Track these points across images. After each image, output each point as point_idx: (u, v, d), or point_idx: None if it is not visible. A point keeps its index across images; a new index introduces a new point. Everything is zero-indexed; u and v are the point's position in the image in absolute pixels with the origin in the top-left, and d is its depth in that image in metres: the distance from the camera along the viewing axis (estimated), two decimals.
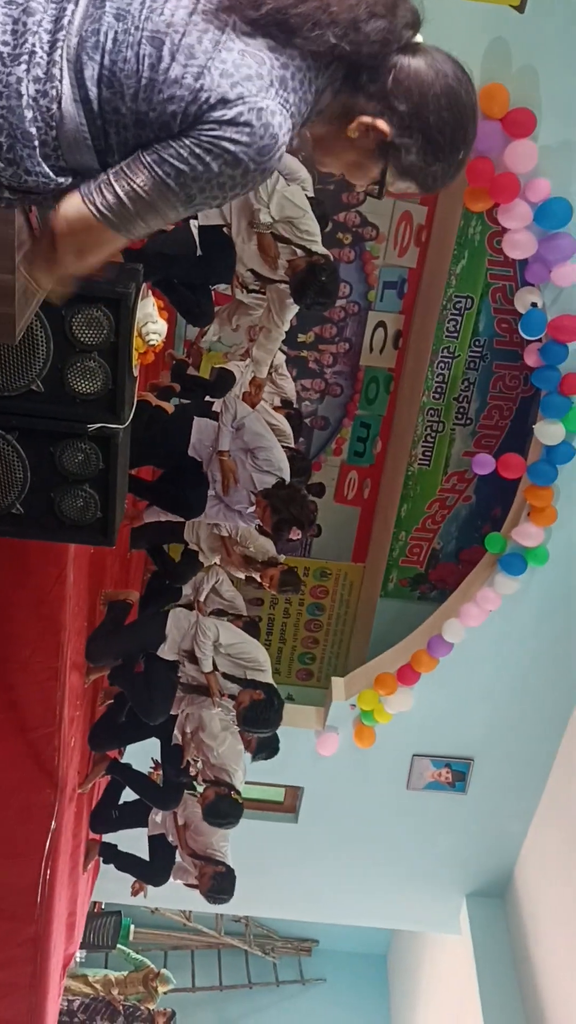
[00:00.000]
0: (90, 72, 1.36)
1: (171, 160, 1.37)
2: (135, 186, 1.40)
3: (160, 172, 1.38)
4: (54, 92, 1.36)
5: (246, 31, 1.37)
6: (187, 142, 1.36)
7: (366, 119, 1.45)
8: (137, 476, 4.36)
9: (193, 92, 1.34)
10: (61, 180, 1.42)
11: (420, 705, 5.87)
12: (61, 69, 1.35)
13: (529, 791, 6.31)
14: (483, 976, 6.27)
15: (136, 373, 2.69)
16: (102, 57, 1.36)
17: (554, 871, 6.02)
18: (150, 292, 2.61)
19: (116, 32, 1.36)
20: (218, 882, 4.71)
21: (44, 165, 1.40)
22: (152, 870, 5.08)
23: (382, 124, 1.45)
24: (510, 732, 6.11)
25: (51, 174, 1.41)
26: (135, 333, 2.58)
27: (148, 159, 1.38)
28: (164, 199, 1.40)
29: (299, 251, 4.03)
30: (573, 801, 5.87)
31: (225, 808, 4.46)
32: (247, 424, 4.15)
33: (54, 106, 1.36)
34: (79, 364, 2.52)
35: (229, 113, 1.34)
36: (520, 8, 3.85)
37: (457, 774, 6.30)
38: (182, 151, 1.37)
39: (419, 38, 1.45)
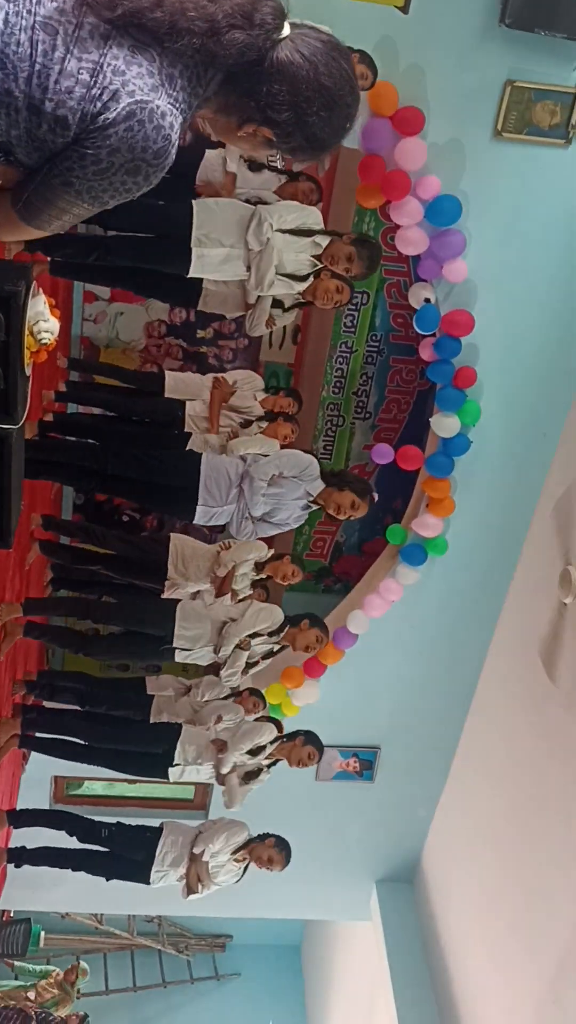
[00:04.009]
0: None
1: (76, 181, 1.45)
2: (50, 200, 1.49)
3: (71, 191, 1.47)
4: None
5: (133, 27, 1.40)
6: (88, 155, 1.42)
7: (250, 128, 1.54)
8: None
9: (88, 89, 1.38)
10: None
11: (327, 696, 5.92)
12: None
13: (434, 776, 6.44)
14: (393, 959, 6.38)
15: (29, 373, 2.64)
16: None
17: (459, 854, 6.17)
18: (40, 290, 2.57)
19: (7, 13, 1.35)
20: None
21: None
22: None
23: (266, 132, 1.54)
24: (415, 719, 6.23)
25: None
26: (26, 332, 2.53)
27: (56, 182, 1.46)
28: (76, 206, 1.51)
29: None
30: (476, 785, 6.02)
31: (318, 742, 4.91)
32: (279, 463, 4.45)
33: None
34: None
35: (123, 113, 1.39)
36: (404, 9, 3.91)
37: (364, 763, 6.39)
38: (85, 169, 1.44)
39: (287, 29, 1.48)
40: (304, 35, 1.49)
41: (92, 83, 1.38)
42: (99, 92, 1.38)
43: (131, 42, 1.39)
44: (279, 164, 4.58)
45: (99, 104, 1.38)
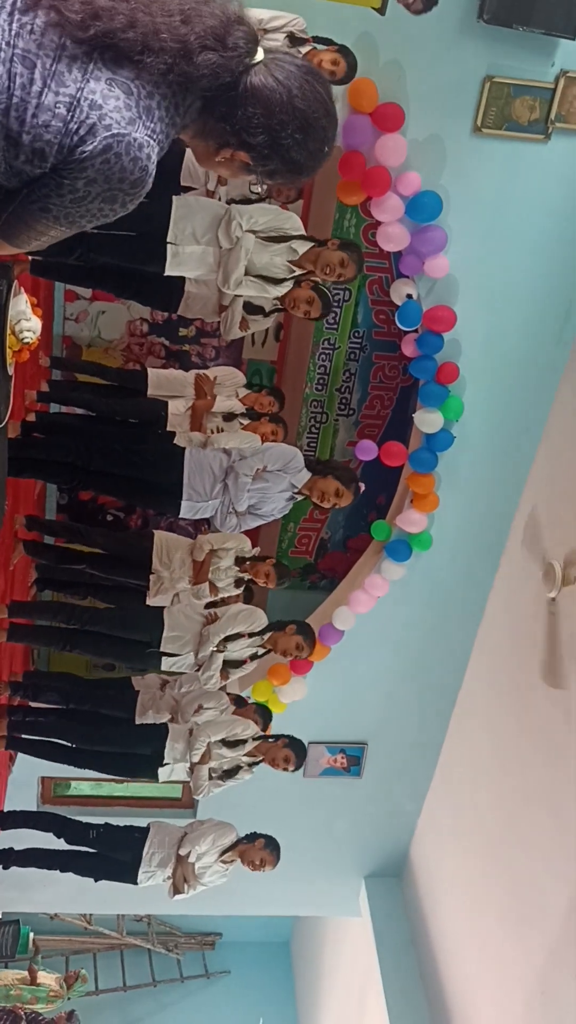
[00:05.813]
0: None
1: (54, 208, 1.48)
2: (28, 223, 1.52)
3: (49, 217, 1.50)
4: None
5: (111, 59, 1.42)
6: (65, 184, 1.44)
7: (227, 152, 1.57)
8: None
9: (65, 123, 1.40)
10: None
11: (313, 693, 5.93)
12: None
13: (421, 771, 6.46)
14: (383, 954, 6.41)
15: (11, 372, 2.64)
16: None
17: (447, 848, 6.19)
18: (22, 289, 2.57)
19: None
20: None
21: None
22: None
23: (243, 156, 1.57)
24: (402, 714, 6.25)
25: None
26: (8, 331, 2.53)
27: (35, 208, 1.48)
28: (54, 229, 1.54)
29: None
30: (463, 779, 6.05)
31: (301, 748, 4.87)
32: (264, 456, 4.49)
33: None
34: None
35: (99, 147, 1.41)
36: (381, 10, 3.92)
37: (352, 759, 6.40)
38: (63, 198, 1.46)
39: (260, 55, 1.51)
40: (278, 60, 1.52)
41: (69, 117, 1.40)
42: (76, 127, 1.40)
43: (108, 75, 1.41)
44: (260, 190, 4.56)
45: (76, 138, 1.40)
